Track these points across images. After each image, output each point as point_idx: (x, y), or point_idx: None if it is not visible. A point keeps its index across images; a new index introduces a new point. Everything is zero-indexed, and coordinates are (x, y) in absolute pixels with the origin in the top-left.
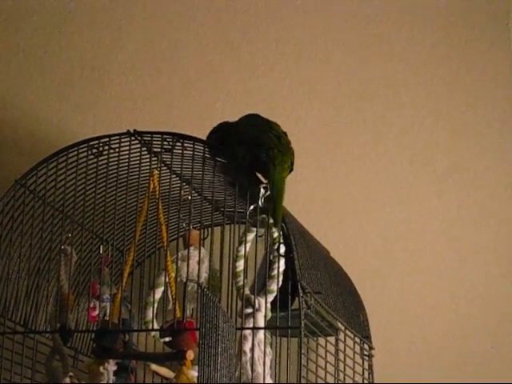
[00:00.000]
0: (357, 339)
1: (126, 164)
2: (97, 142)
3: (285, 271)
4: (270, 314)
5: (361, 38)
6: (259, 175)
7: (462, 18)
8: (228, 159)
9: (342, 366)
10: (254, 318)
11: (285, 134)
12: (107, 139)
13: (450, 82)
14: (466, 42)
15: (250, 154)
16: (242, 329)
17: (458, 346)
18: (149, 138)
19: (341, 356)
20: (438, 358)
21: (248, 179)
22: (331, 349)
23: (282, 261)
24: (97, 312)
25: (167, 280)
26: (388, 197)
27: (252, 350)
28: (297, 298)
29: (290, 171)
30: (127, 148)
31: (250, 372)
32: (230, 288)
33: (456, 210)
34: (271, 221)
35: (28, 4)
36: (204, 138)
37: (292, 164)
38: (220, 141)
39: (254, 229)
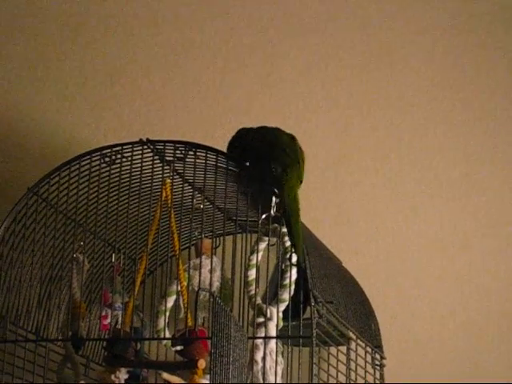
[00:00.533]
0: (368, 349)
1: (139, 172)
2: (109, 150)
3: (297, 280)
4: (281, 324)
5: (372, 49)
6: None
7: (474, 32)
8: (240, 168)
9: (353, 375)
10: (265, 327)
11: (293, 138)
12: (120, 148)
13: (461, 91)
14: (476, 51)
15: (259, 167)
16: (254, 338)
17: (470, 356)
18: (161, 147)
19: (352, 365)
20: (450, 368)
21: (260, 188)
22: (343, 358)
23: (294, 270)
24: (108, 320)
25: (179, 289)
26: (399, 206)
27: (264, 359)
28: (308, 308)
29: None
30: (140, 156)
31: (261, 381)
32: (242, 297)
33: (467, 218)
34: (283, 230)
35: (41, 13)
36: (216, 146)
37: (301, 176)
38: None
39: (266, 238)
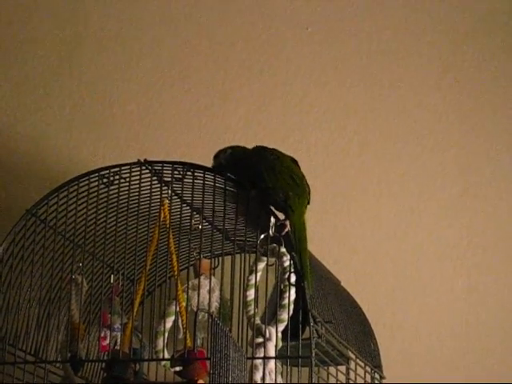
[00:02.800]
0: (368, 368)
1: (137, 193)
2: (107, 171)
3: (295, 300)
4: (280, 344)
5: (373, 64)
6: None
7: (476, 44)
8: (238, 189)
9: None
10: (264, 347)
11: (295, 162)
12: (118, 169)
13: (460, 106)
14: (474, 66)
15: (264, 195)
16: (253, 358)
17: (471, 375)
18: (159, 168)
19: None
20: None
21: (259, 209)
22: (342, 378)
23: (293, 290)
24: (107, 341)
25: (178, 309)
26: (398, 225)
27: (263, 379)
28: (307, 328)
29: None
30: (138, 177)
31: None
32: (241, 317)
33: (467, 236)
34: (282, 250)
35: (38, 32)
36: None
37: (308, 202)
38: (231, 160)
39: (265, 258)
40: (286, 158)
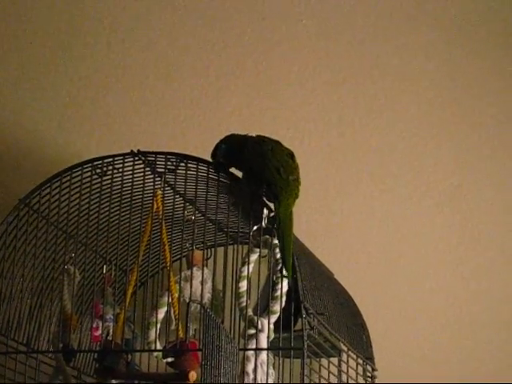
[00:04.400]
0: (360, 360)
1: (130, 184)
2: (101, 162)
3: (288, 292)
4: (272, 335)
5: (369, 57)
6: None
7: (473, 42)
8: (231, 180)
9: None
10: (256, 338)
11: (291, 156)
12: (111, 159)
13: (456, 99)
14: (469, 61)
15: (253, 186)
16: (245, 349)
17: (463, 368)
18: (152, 158)
19: (344, 377)
20: (442, 380)
21: (251, 200)
22: (334, 370)
23: (286, 281)
24: (99, 332)
25: (170, 300)
26: (392, 218)
27: (255, 370)
28: (300, 319)
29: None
30: (131, 168)
31: None
32: (233, 308)
33: (459, 231)
34: (275, 241)
35: (32, 25)
36: (208, 158)
37: (297, 195)
38: (227, 155)
39: (258, 249)
40: (281, 151)
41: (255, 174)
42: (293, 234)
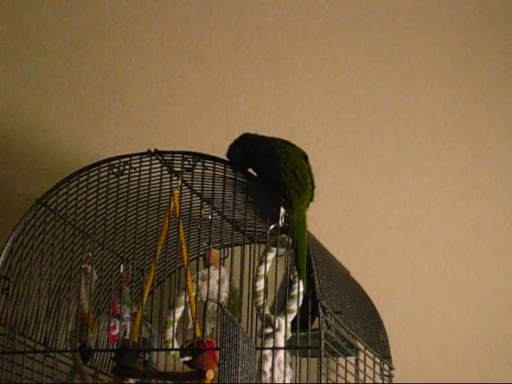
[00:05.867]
0: (377, 359)
1: (147, 183)
2: (118, 161)
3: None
4: (290, 334)
5: (385, 56)
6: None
7: (486, 41)
8: (248, 179)
9: None
10: (274, 337)
11: (305, 157)
12: (128, 159)
13: (470, 100)
14: (485, 60)
15: (267, 189)
16: (262, 349)
17: (479, 366)
18: (169, 158)
19: (361, 376)
20: (459, 379)
21: (268, 199)
22: (351, 369)
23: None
24: (117, 331)
25: (187, 299)
26: (409, 217)
27: (272, 370)
28: (317, 318)
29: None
30: (148, 167)
31: None
32: (250, 308)
33: (476, 230)
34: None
35: (49, 25)
36: (224, 157)
37: (312, 197)
38: (242, 156)
39: (275, 248)
40: (295, 153)
41: (269, 177)
42: (307, 237)
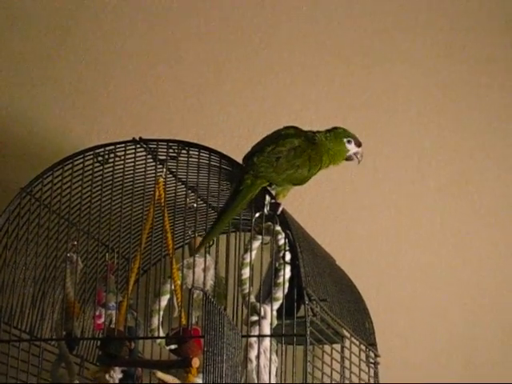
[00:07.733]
0: (362, 347)
1: (132, 171)
2: (102, 149)
3: (290, 279)
4: (275, 322)
5: (371, 45)
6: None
7: (475, 34)
8: (233, 167)
9: (347, 373)
10: (259, 325)
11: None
12: (113, 147)
13: (456, 92)
14: (471, 53)
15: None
16: (248, 336)
17: (464, 355)
18: (154, 146)
19: (346, 363)
20: (444, 366)
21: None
22: (337, 356)
23: (288, 268)
24: (102, 320)
25: (173, 287)
26: (394, 205)
27: (258, 357)
28: (302, 306)
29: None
30: (133, 156)
31: (255, 380)
32: (236, 295)
33: (463, 219)
34: (277, 228)
35: (32, 13)
36: (209, 145)
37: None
38: None
39: (260, 236)
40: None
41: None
42: (239, 208)
